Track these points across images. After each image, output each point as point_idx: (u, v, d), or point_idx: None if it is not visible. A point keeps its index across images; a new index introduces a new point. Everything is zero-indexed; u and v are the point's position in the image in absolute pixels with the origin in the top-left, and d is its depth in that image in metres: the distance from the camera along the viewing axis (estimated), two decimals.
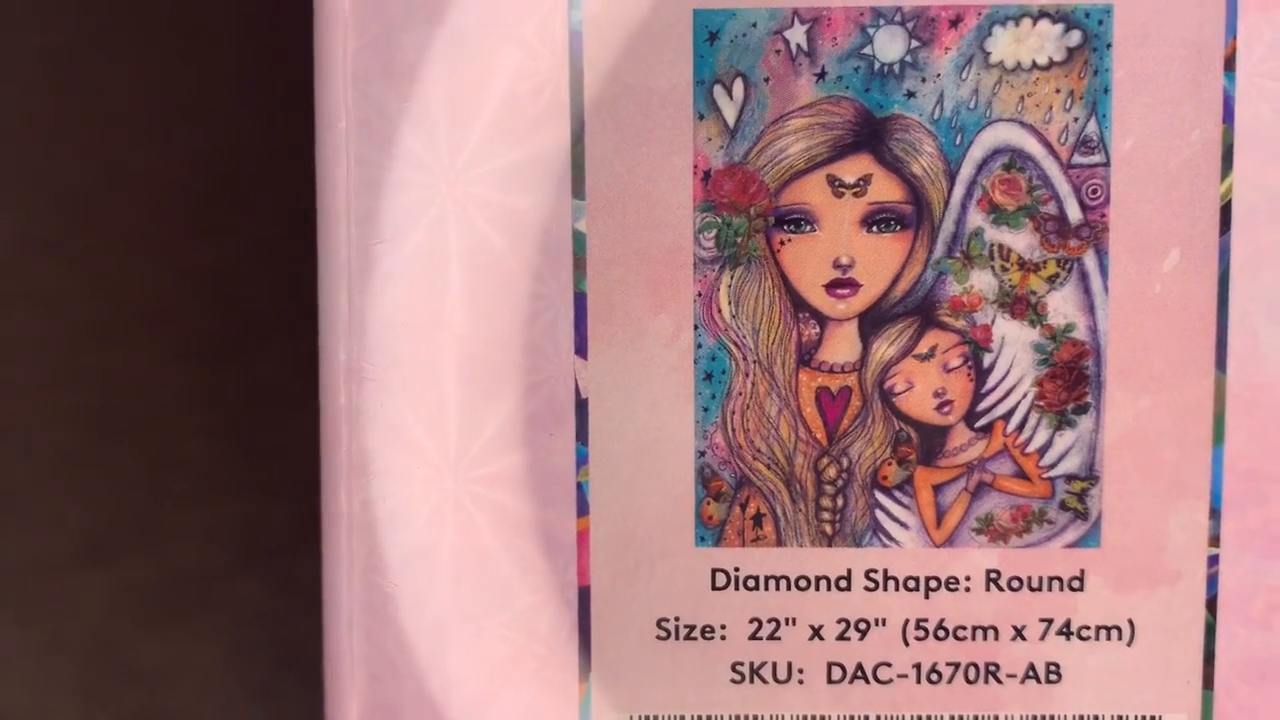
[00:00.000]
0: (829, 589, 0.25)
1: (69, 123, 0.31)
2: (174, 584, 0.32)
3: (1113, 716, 0.25)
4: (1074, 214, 0.24)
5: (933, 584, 0.25)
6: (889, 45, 0.24)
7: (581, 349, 0.24)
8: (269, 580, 0.32)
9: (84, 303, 0.31)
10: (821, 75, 0.24)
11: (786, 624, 0.25)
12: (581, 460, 0.24)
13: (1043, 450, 0.24)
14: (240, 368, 0.31)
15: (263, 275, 0.31)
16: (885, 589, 0.25)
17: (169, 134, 0.31)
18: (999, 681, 0.25)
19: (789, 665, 0.25)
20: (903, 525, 0.25)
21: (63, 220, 0.31)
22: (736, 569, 0.25)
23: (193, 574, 0.32)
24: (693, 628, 0.25)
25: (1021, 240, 0.24)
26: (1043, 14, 0.24)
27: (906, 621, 0.25)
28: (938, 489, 0.24)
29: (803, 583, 0.25)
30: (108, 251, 0.31)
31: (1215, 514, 0.24)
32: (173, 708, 0.32)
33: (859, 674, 0.25)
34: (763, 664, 0.25)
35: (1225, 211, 0.24)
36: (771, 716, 0.25)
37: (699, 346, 0.24)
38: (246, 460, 0.31)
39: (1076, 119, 0.24)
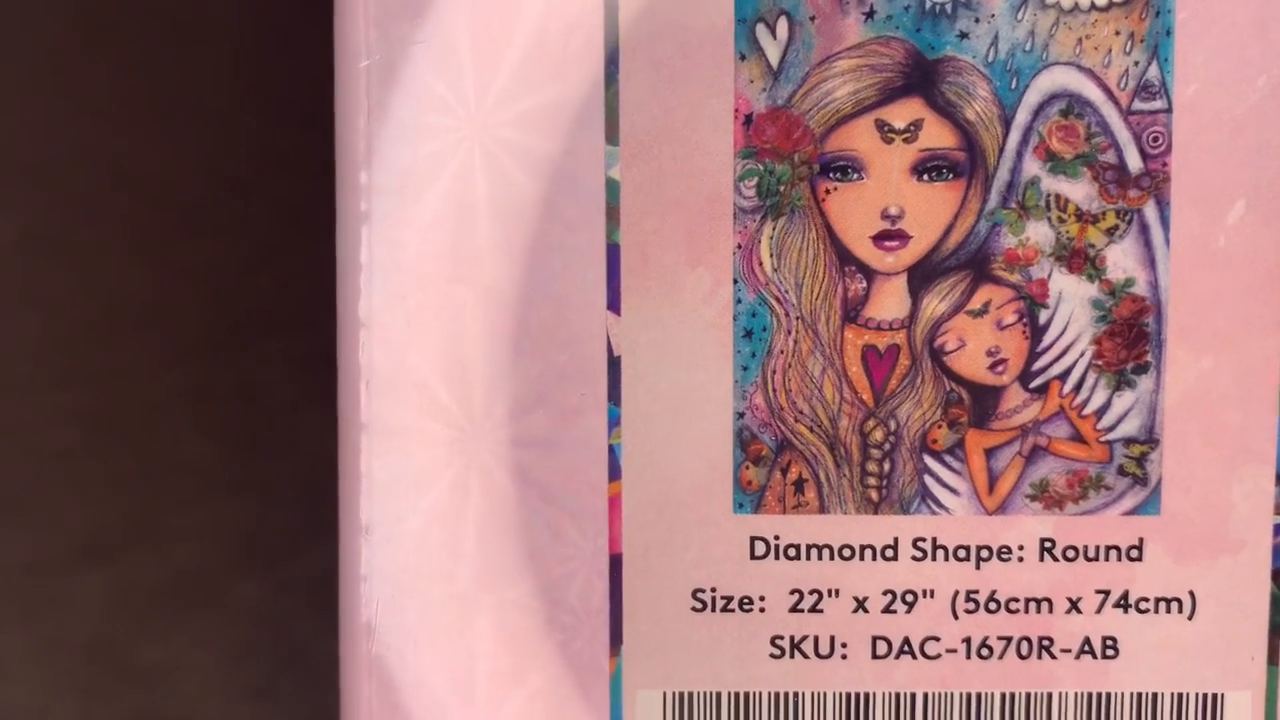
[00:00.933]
0: (874, 558, 0.23)
1: (69, 123, 0.31)
2: (174, 584, 0.31)
3: (1172, 694, 0.24)
4: (1134, 163, 0.23)
5: (984, 554, 0.23)
6: None
7: (614, 304, 0.23)
8: (269, 580, 0.31)
9: (84, 303, 0.31)
10: (870, 14, 0.23)
11: (829, 595, 0.24)
12: (613, 421, 0.23)
13: (1100, 412, 0.23)
14: (240, 368, 0.31)
15: (262, 275, 0.31)
16: (934, 559, 0.23)
17: (169, 134, 0.31)
18: (1053, 656, 0.24)
19: (831, 639, 0.24)
20: (953, 491, 0.23)
21: (63, 220, 0.31)
22: (777, 537, 0.23)
23: (193, 574, 0.31)
24: (730, 599, 0.24)
25: (1079, 190, 0.23)
26: None
27: (956, 593, 0.24)
28: (990, 453, 0.23)
29: (846, 552, 0.23)
30: (107, 251, 0.31)
31: None
32: (173, 708, 0.32)
33: (905, 648, 0.24)
34: (804, 637, 0.24)
35: None
36: (813, 693, 0.24)
37: (738, 302, 0.23)
38: (246, 460, 0.31)
39: (1137, 63, 0.23)
